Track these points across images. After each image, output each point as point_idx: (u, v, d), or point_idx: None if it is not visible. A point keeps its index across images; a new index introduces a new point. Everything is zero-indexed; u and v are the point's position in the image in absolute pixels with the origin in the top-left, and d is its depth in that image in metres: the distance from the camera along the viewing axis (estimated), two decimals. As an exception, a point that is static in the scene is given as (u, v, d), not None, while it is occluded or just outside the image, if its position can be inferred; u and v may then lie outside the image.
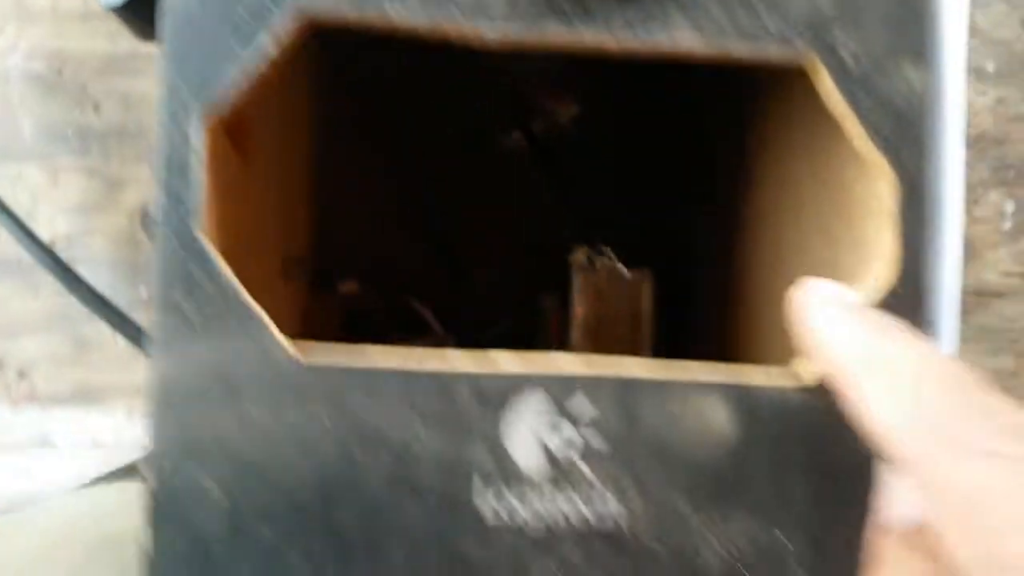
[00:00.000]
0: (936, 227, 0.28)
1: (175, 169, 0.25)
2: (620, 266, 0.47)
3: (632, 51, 0.26)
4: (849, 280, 0.29)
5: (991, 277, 0.55)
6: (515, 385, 0.26)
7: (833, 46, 0.27)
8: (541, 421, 0.25)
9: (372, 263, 0.48)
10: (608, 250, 0.48)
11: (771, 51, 0.26)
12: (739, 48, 0.26)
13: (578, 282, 0.45)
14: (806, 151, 0.33)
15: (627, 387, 0.26)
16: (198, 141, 0.25)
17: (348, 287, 0.47)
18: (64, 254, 0.49)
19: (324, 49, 0.43)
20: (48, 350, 0.52)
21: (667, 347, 0.45)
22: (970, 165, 0.55)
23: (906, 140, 0.27)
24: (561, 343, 0.46)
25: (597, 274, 0.45)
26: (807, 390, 0.26)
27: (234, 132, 0.28)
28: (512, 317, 0.48)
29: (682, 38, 0.26)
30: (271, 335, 0.24)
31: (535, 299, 0.48)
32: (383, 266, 0.48)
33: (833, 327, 0.23)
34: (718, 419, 0.26)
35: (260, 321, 0.24)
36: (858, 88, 0.27)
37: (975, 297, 0.55)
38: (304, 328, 0.44)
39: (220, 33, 0.25)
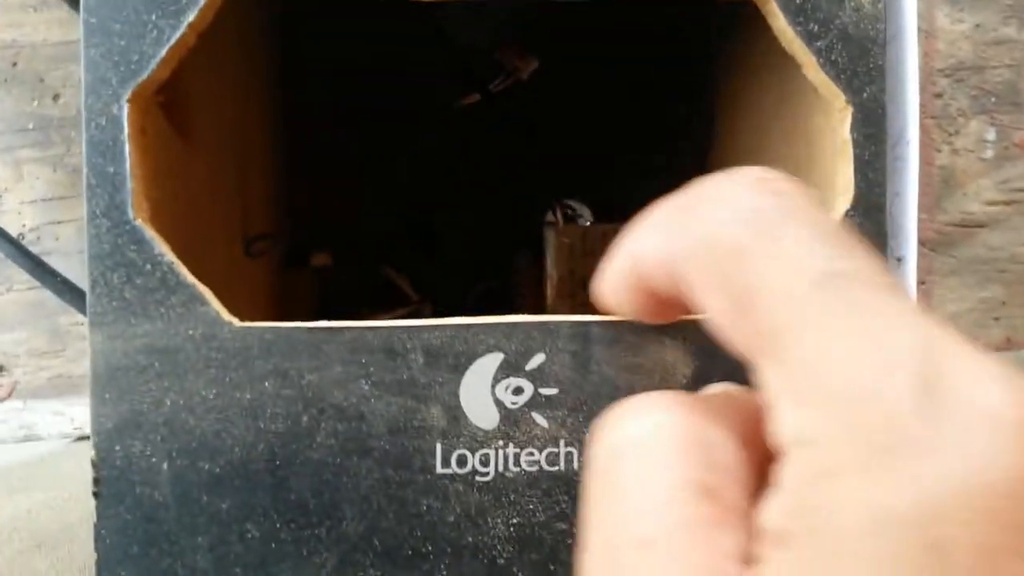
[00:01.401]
0: (895, 148, 0.27)
1: (103, 150, 0.24)
2: (592, 221, 0.46)
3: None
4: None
5: (975, 207, 0.54)
6: (470, 347, 0.25)
7: (782, -23, 0.26)
8: (496, 379, 0.25)
9: (344, 235, 0.47)
10: (582, 206, 0.47)
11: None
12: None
13: (551, 240, 0.44)
14: (768, 89, 0.32)
15: (581, 334, 0.25)
16: (125, 120, 0.24)
17: (320, 259, 0.47)
18: (33, 247, 0.49)
19: (280, 22, 0.42)
20: (26, 343, 0.51)
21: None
22: (949, 95, 0.54)
23: (861, 67, 0.26)
24: (537, 302, 0.45)
25: (570, 231, 0.44)
26: None
27: (170, 110, 0.27)
28: (488, 279, 0.48)
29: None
30: (212, 307, 0.24)
31: (511, 259, 0.47)
32: (356, 237, 0.47)
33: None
34: (675, 361, 0.25)
35: (201, 296, 0.24)
36: (810, 19, 0.26)
37: (960, 228, 0.54)
38: (277, 305, 0.43)
39: (140, 7, 0.24)
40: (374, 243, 0.48)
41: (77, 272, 0.50)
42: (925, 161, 0.53)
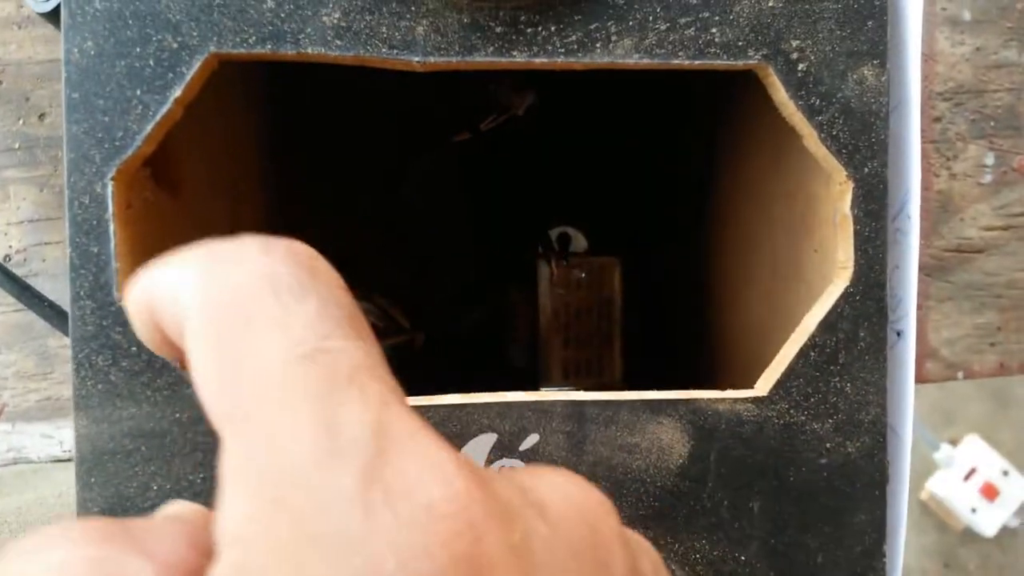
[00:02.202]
0: (895, 220, 0.27)
1: (86, 230, 0.23)
2: (587, 247, 0.46)
3: (572, 69, 0.25)
4: (812, 283, 0.28)
5: (972, 233, 0.54)
6: (463, 427, 0.25)
7: (786, 53, 0.25)
8: (490, 460, 0.25)
9: (337, 265, 0.47)
10: (577, 233, 0.47)
11: (718, 63, 0.25)
12: (685, 61, 0.25)
13: (544, 272, 0.43)
14: (767, 148, 0.31)
15: (575, 414, 0.25)
16: (109, 199, 0.23)
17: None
18: (20, 269, 0.48)
19: (270, 70, 0.41)
20: (13, 366, 0.51)
21: (639, 335, 0.44)
22: (948, 119, 0.53)
23: (863, 142, 0.25)
24: (531, 334, 0.45)
25: (566, 271, 0.43)
26: (760, 401, 0.25)
27: (159, 170, 0.27)
28: (481, 310, 0.47)
29: (625, 56, 0.24)
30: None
31: (504, 290, 0.47)
32: (347, 268, 0.47)
33: None
34: (671, 440, 0.25)
35: (188, 378, 0.23)
36: (812, 93, 0.25)
37: (956, 254, 0.54)
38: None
39: (124, 83, 0.23)
40: (367, 272, 0.47)
41: (64, 294, 0.49)
42: (923, 186, 0.53)
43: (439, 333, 0.47)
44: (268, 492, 0.13)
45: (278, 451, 0.13)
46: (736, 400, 0.25)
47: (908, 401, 0.26)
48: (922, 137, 0.53)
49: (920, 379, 0.54)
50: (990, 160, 0.53)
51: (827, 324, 0.25)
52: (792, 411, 0.25)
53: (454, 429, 0.25)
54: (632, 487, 0.25)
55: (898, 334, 0.27)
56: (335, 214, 0.46)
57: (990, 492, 1.41)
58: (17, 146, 0.50)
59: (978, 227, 0.54)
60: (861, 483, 0.26)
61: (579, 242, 0.47)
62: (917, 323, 0.53)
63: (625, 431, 0.25)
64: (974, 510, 1.41)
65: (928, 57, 0.53)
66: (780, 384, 0.25)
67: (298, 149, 0.44)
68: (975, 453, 1.41)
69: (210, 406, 0.14)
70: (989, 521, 1.41)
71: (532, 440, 0.25)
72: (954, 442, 1.43)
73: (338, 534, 0.12)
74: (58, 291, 0.48)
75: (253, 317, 0.14)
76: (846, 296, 0.25)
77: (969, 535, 1.45)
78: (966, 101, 0.53)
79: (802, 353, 0.25)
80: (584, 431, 0.25)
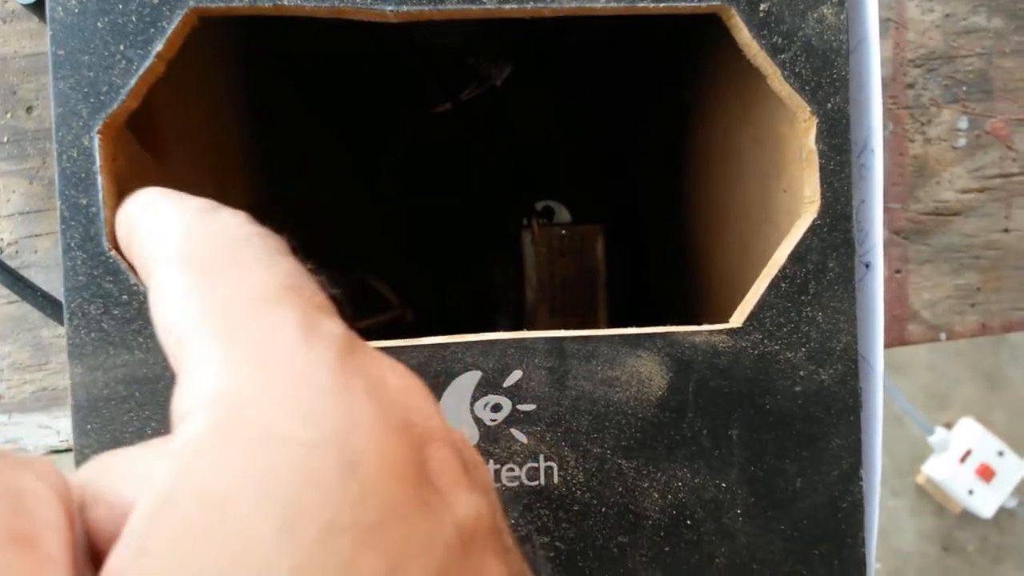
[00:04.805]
0: (859, 157, 0.27)
1: (75, 183, 0.24)
2: (570, 220, 0.46)
3: (541, 16, 0.26)
4: (781, 224, 0.29)
5: (948, 196, 0.55)
6: (447, 366, 0.25)
7: (746, -8, 0.26)
8: (475, 397, 0.25)
9: (321, 243, 0.47)
10: (560, 206, 0.47)
11: (682, 5, 0.25)
12: (650, 4, 0.25)
13: (528, 242, 0.44)
14: (735, 95, 0.32)
15: (557, 350, 0.26)
16: (96, 152, 0.24)
17: (301, 268, 0.47)
18: (12, 261, 0.49)
19: (250, 38, 0.42)
20: (8, 357, 0.51)
21: (623, 303, 0.45)
22: (921, 85, 0.54)
23: (825, 78, 0.26)
24: (518, 305, 0.46)
25: (547, 234, 0.44)
26: (735, 332, 0.26)
27: (141, 131, 0.27)
28: (468, 283, 0.48)
29: (592, 1, 0.25)
30: None
31: (491, 263, 0.48)
32: (334, 244, 0.47)
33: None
34: (650, 373, 0.26)
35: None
36: (774, 32, 0.26)
37: (934, 217, 0.55)
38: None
39: (108, 38, 0.24)
40: (352, 248, 0.48)
41: (57, 285, 0.50)
42: (898, 151, 0.54)
43: (428, 308, 0.47)
44: (257, 362, 0.15)
45: (267, 336, 0.16)
46: (712, 332, 0.26)
47: (878, 331, 0.27)
48: (896, 103, 0.54)
49: (902, 341, 0.55)
50: (964, 124, 0.55)
51: (796, 256, 0.26)
52: (766, 341, 0.26)
53: (438, 367, 0.25)
54: (614, 419, 0.26)
55: (866, 266, 0.28)
56: (318, 191, 0.47)
57: (986, 473, 1.41)
58: (6, 139, 0.50)
59: (954, 190, 0.55)
60: (835, 409, 0.26)
61: (562, 215, 0.47)
62: (898, 286, 0.54)
63: (605, 365, 0.26)
64: (971, 492, 1.41)
65: (899, 25, 0.54)
66: (753, 315, 0.26)
67: (280, 124, 0.45)
68: (970, 435, 1.42)
69: (186, 313, 0.17)
70: (986, 502, 1.41)
71: (516, 376, 0.26)
72: (948, 425, 1.44)
73: (323, 387, 0.15)
74: (51, 282, 0.49)
75: (244, 257, 0.18)
76: (814, 229, 0.26)
77: (967, 517, 1.46)
78: (938, 67, 0.54)
79: (773, 284, 0.26)
80: (566, 366, 0.26)
